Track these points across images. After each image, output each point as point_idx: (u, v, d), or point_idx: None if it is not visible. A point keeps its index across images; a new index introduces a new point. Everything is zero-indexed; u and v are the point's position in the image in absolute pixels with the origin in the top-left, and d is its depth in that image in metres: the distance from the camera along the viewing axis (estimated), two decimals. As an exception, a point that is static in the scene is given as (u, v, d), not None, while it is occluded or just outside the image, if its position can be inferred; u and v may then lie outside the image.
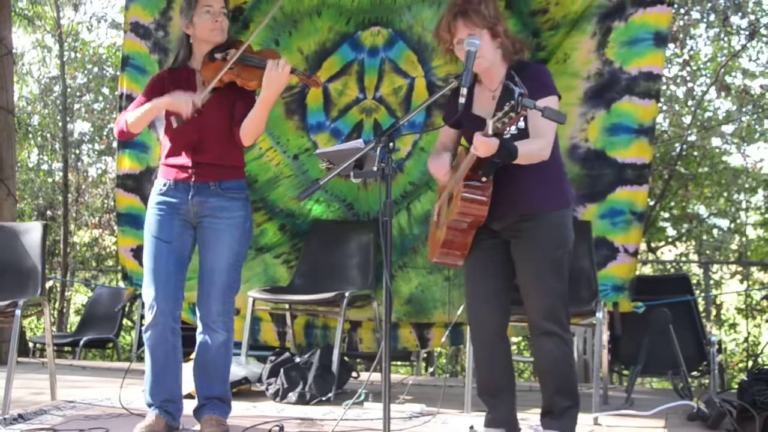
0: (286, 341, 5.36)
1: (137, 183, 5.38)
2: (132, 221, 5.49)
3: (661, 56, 4.60)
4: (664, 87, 8.66)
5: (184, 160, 3.54)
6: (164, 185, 3.58)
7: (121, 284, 6.33)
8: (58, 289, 10.06)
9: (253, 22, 5.12)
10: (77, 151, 10.95)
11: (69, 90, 10.54)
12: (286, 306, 5.13)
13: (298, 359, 4.77)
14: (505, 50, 3.31)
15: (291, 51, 5.10)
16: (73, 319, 10.63)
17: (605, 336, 4.33)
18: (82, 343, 7.09)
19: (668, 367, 4.55)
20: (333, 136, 5.15)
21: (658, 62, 4.58)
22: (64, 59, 10.46)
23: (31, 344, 7.44)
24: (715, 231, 10.44)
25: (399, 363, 7.97)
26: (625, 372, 5.33)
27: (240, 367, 4.77)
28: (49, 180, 10.79)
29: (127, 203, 5.51)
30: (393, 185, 4.95)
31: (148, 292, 3.49)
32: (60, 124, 10.35)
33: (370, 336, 5.23)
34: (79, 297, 11.35)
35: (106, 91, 10.86)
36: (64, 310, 10.25)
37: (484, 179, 3.17)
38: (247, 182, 3.66)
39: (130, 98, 5.37)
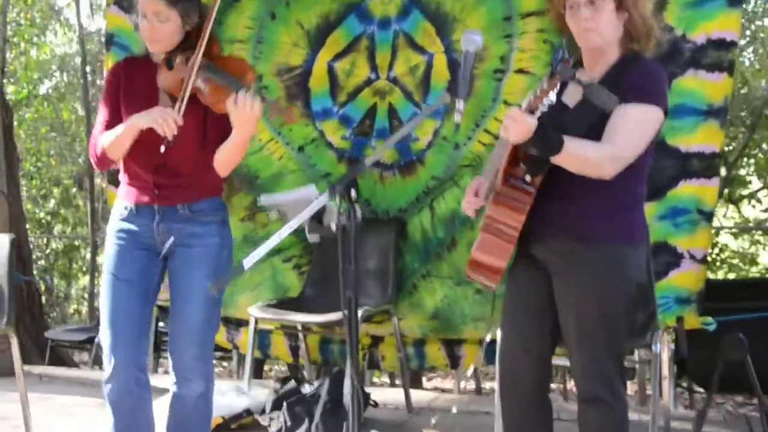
0: (300, 357, 4.73)
1: None
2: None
3: (735, 18, 3.72)
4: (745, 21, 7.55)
5: (145, 179, 2.92)
6: (125, 209, 2.98)
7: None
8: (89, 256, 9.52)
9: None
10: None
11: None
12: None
13: (306, 388, 4.14)
14: (630, 30, 2.55)
15: (289, 25, 4.37)
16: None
17: (665, 367, 3.56)
18: (97, 339, 6.56)
19: (742, 390, 3.78)
20: (342, 124, 4.41)
21: (731, 26, 3.71)
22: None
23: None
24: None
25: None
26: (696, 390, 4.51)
27: (241, 397, 4.17)
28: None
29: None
30: (413, 180, 4.35)
31: (105, 337, 2.92)
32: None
33: (393, 353, 4.53)
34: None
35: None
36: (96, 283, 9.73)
37: (527, 178, 2.46)
38: (222, 202, 3.01)
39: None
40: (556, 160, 2.39)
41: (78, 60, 9.78)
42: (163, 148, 2.81)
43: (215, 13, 2.83)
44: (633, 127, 2.45)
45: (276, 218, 2.76)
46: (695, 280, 3.86)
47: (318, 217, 2.41)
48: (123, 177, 3.01)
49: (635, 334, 3.37)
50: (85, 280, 10.51)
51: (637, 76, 2.48)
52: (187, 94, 2.78)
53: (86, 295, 9.82)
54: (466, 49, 2.39)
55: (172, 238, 2.92)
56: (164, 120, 2.74)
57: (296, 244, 4.65)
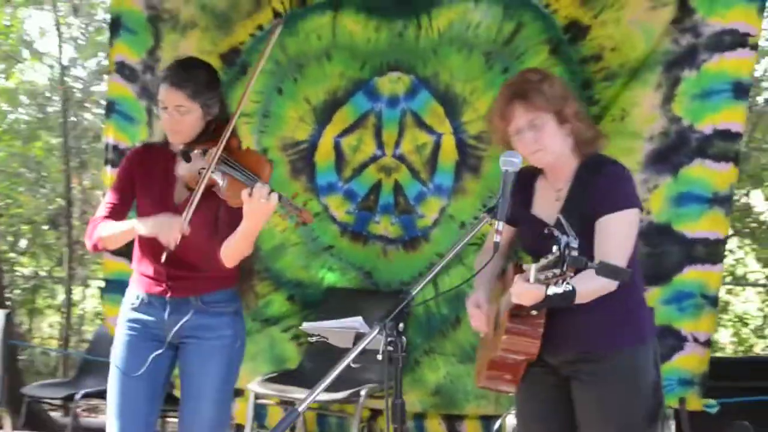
0: (296, 429, 4.68)
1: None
2: (121, 288, 4.78)
3: (741, 111, 3.79)
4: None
5: (157, 270, 2.90)
6: (137, 298, 2.98)
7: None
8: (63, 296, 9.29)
9: (252, 66, 4.37)
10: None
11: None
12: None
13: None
14: (578, 138, 2.60)
15: (296, 101, 4.37)
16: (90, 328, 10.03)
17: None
18: (78, 397, 6.41)
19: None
20: (347, 199, 4.42)
21: (737, 118, 3.78)
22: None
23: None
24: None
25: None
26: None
27: (241, 474, 4.12)
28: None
29: (115, 268, 4.86)
30: (419, 255, 4.38)
31: (111, 430, 2.90)
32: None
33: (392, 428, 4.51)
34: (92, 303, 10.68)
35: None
36: (73, 322, 9.51)
37: (534, 312, 2.49)
38: (235, 293, 2.99)
39: (116, 149, 4.73)
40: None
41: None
42: (163, 257, 2.81)
43: (240, 110, 2.84)
44: (622, 238, 2.51)
45: (315, 340, 2.74)
46: (699, 363, 3.90)
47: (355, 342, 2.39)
48: (136, 266, 2.99)
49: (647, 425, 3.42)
50: (53, 319, 10.32)
51: (607, 185, 2.53)
52: (202, 188, 2.76)
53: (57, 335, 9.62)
54: (506, 169, 2.41)
55: (183, 326, 2.89)
56: (169, 230, 2.72)
57: (295, 314, 4.64)
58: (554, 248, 2.10)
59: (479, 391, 4.22)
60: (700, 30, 3.74)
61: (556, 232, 2.16)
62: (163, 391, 3.01)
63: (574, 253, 2.07)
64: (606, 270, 2.13)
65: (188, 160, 2.82)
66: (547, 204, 2.67)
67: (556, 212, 2.60)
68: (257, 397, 4.27)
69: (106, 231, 2.89)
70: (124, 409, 2.89)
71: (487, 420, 4.32)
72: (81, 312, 9.73)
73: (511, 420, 3.71)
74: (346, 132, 4.35)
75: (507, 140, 2.65)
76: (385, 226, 4.39)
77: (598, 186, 2.54)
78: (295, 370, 4.50)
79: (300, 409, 1.99)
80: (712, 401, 3.94)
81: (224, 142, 2.75)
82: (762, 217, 7.53)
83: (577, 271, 2.12)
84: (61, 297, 9.68)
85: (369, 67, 4.27)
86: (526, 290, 2.30)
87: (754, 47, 3.76)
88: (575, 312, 2.49)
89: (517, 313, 2.51)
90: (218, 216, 2.85)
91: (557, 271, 2.10)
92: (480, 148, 4.09)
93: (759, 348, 7.91)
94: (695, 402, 3.90)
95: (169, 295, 2.90)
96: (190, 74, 2.87)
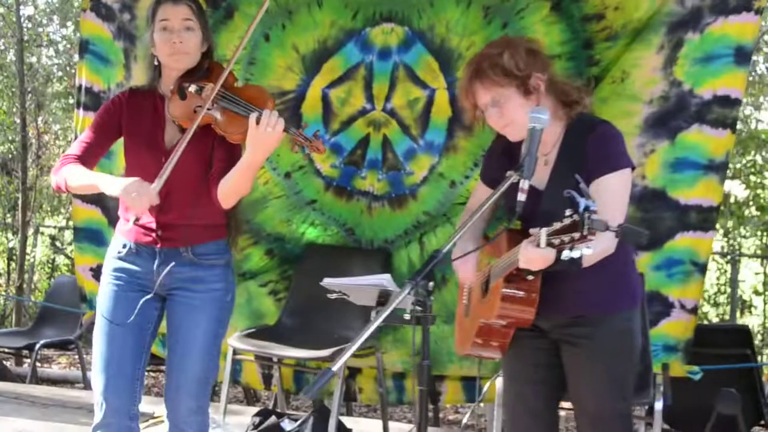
0: (272, 385, 4.60)
1: None
2: (91, 237, 4.68)
3: (742, 76, 3.74)
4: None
5: (147, 219, 2.75)
6: (123, 247, 2.82)
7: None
8: (17, 250, 9.03)
9: (238, 11, 4.19)
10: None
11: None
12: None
13: (287, 425, 4.02)
14: (561, 100, 2.54)
15: (284, 48, 4.19)
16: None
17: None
18: (38, 347, 6.25)
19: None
20: (333, 152, 4.28)
21: (737, 84, 3.73)
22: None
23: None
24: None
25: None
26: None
27: (216, 431, 4.02)
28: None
29: (85, 216, 4.69)
30: (404, 213, 4.27)
31: (97, 381, 2.77)
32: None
33: (371, 386, 4.45)
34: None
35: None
36: (26, 273, 9.23)
37: (530, 277, 2.42)
38: (227, 244, 2.86)
39: (90, 92, 4.53)
40: None
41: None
42: (130, 223, 2.70)
43: (246, 41, 2.71)
44: (618, 198, 2.47)
45: (334, 297, 2.61)
46: (684, 329, 3.90)
47: (382, 302, 2.28)
48: (122, 213, 2.84)
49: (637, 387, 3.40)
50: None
51: (599, 146, 2.48)
52: (194, 128, 2.63)
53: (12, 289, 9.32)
54: (533, 126, 2.32)
55: (172, 277, 2.77)
56: (138, 199, 2.57)
57: (273, 268, 4.53)
58: (567, 212, 2.04)
59: (463, 353, 4.18)
60: None
61: (575, 196, 2.05)
62: (151, 340, 2.88)
63: (595, 217, 2.00)
64: (627, 233, 2.06)
65: (183, 97, 2.67)
66: (536, 168, 2.57)
67: (546, 176, 2.54)
68: (235, 352, 4.16)
69: (73, 177, 2.72)
70: (111, 360, 2.75)
71: (467, 381, 4.29)
72: (31, 260, 9.44)
73: (499, 383, 3.67)
74: (334, 83, 4.20)
75: (478, 118, 2.62)
76: (371, 181, 4.28)
77: (591, 147, 2.48)
78: (274, 326, 4.40)
79: (335, 368, 1.87)
80: (695, 368, 3.95)
81: (227, 74, 2.64)
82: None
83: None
84: (12, 244, 9.39)
85: (361, 17, 4.11)
86: (537, 255, 2.20)
87: (759, 11, 3.69)
88: (570, 276, 2.43)
89: (512, 278, 2.45)
90: (212, 154, 2.72)
91: (575, 235, 2.03)
92: (475, 105, 3.97)
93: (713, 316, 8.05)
94: (678, 368, 3.90)
95: (158, 245, 2.77)
96: None
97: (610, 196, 2.41)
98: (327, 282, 2.53)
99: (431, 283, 2.13)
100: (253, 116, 2.49)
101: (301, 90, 4.22)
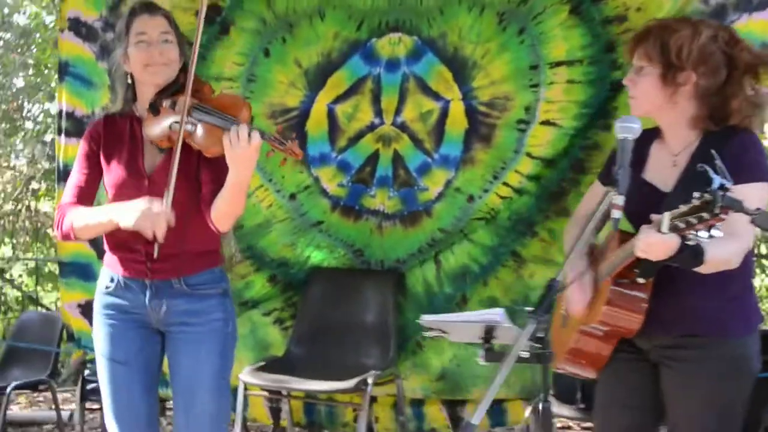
0: (281, 419, 4.35)
1: None
2: (79, 271, 4.35)
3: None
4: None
5: (134, 249, 2.58)
6: (111, 281, 2.66)
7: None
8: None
9: (234, 26, 3.95)
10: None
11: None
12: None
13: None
14: (708, 113, 2.35)
15: (286, 63, 3.97)
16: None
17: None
18: (9, 390, 5.85)
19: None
20: (340, 170, 4.06)
21: (764, 81, 3.61)
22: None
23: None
24: None
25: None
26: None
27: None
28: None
29: (71, 250, 4.35)
30: (418, 231, 4.05)
31: (112, 428, 2.65)
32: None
33: (388, 414, 4.22)
34: None
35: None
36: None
37: (641, 280, 2.26)
38: (222, 271, 2.73)
39: (71, 116, 4.23)
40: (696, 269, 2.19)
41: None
42: (156, 252, 2.53)
43: (198, 46, 2.51)
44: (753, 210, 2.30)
45: (432, 336, 2.37)
46: None
47: (487, 338, 2.07)
48: (107, 242, 2.67)
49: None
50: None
51: (741, 153, 2.29)
52: (179, 146, 2.47)
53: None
54: (624, 137, 2.16)
55: (167, 312, 2.62)
56: (154, 221, 2.41)
57: (276, 296, 4.29)
58: (696, 194, 1.89)
59: (488, 374, 3.98)
60: None
61: (709, 171, 1.88)
62: (157, 378, 2.73)
63: (731, 194, 1.84)
64: (764, 219, 1.91)
65: (156, 113, 2.53)
66: (662, 169, 2.43)
67: (673, 178, 2.38)
68: (246, 387, 3.92)
69: (80, 220, 2.56)
70: (120, 400, 2.64)
71: (493, 404, 4.08)
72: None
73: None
74: (340, 98, 3.98)
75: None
76: (381, 199, 4.07)
77: (729, 153, 2.23)
78: (283, 357, 4.16)
79: (475, 421, 1.66)
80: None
81: (191, 84, 2.49)
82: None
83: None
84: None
85: (366, 27, 3.90)
86: (659, 239, 2.03)
87: (783, 7, 3.59)
88: (681, 291, 2.29)
89: (621, 281, 2.28)
90: (197, 175, 2.57)
91: (705, 215, 1.88)
92: (492, 116, 3.80)
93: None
94: None
95: (149, 277, 2.60)
96: (160, 8, 2.67)
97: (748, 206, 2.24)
98: (425, 319, 2.28)
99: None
100: (225, 136, 2.36)
101: (305, 106, 3.99)
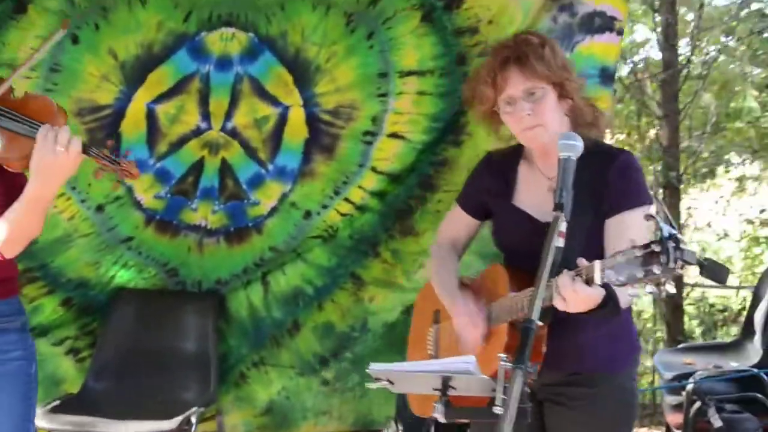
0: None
1: None
2: None
3: (607, 96, 3.61)
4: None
5: None
6: None
7: None
8: None
9: (33, 4, 3.33)
10: None
11: None
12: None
13: None
14: (578, 119, 2.21)
15: (98, 53, 3.40)
16: None
17: None
18: None
19: None
20: (158, 180, 3.58)
21: (603, 104, 3.59)
22: None
23: None
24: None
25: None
26: None
27: None
28: None
29: None
30: (245, 249, 3.65)
31: None
32: None
33: (204, 454, 3.78)
34: None
35: None
36: None
37: (540, 323, 2.03)
38: (21, 303, 2.35)
39: None
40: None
41: None
42: None
43: None
44: (642, 236, 2.16)
45: (379, 386, 1.94)
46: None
47: (444, 390, 1.73)
48: None
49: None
50: None
51: (620, 179, 2.18)
52: None
53: None
54: (567, 155, 1.94)
55: None
56: None
57: (70, 322, 3.73)
58: (636, 243, 1.69)
59: (320, 407, 3.71)
60: (575, 9, 3.46)
61: (660, 224, 1.68)
62: None
63: (683, 246, 1.63)
64: (713, 269, 1.76)
65: None
66: (536, 194, 2.26)
67: (550, 204, 2.16)
68: (39, 433, 3.32)
69: None
70: None
71: (325, 438, 3.78)
72: None
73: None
74: (162, 97, 3.48)
75: (491, 114, 2.24)
76: (203, 214, 3.64)
77: (613, 177, 2.16)
78: (80, 393, 3.59)
79: None
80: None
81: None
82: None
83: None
84: None
85: (195, 19, 3.42)
86: (588, 294, 1.82)
87: (620, 32, 3.59)
88: (570, 329, 2.12)
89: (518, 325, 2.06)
90: None
91: (656, 269, 1.63)
92: (336, 125, 3.49)
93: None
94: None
95: None
96: None
97: (636, 232, 2.07)
98: (373, 367, 1.86)
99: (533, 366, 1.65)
100: (40, 136, 2.05)
101: (121, 105, 3.45)
